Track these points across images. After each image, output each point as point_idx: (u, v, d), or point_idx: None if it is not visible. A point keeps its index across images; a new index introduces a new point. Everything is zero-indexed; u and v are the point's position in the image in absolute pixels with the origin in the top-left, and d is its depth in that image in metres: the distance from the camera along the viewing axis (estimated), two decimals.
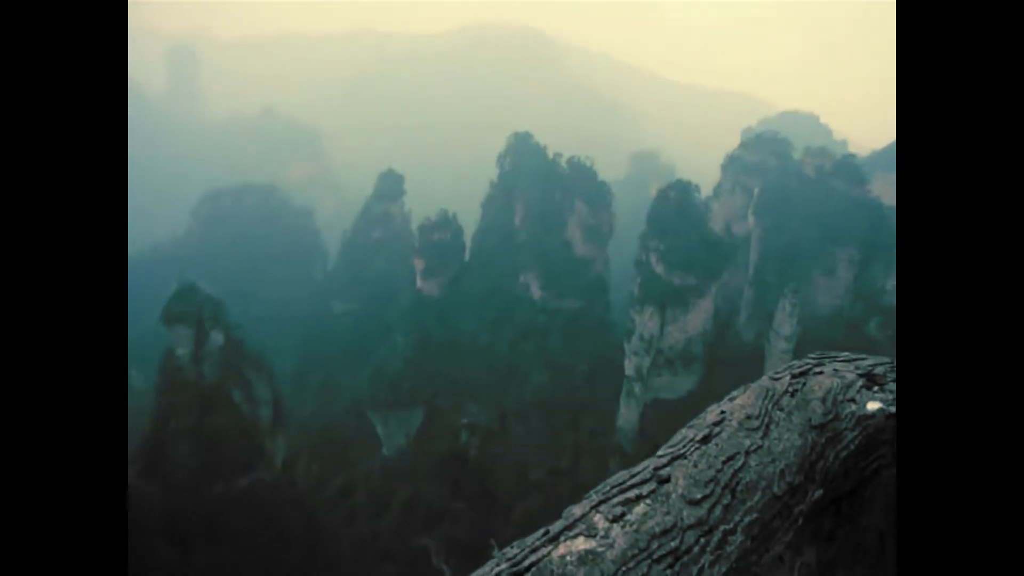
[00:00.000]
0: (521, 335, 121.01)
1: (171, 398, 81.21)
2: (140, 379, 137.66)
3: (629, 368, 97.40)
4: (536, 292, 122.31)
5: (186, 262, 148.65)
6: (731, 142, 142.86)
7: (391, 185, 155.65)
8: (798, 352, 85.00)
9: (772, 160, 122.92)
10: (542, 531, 4.71)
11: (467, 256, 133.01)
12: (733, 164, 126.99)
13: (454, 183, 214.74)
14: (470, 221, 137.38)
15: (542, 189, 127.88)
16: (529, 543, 4.62)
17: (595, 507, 4.70)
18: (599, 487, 5.12)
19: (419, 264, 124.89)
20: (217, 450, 79.19)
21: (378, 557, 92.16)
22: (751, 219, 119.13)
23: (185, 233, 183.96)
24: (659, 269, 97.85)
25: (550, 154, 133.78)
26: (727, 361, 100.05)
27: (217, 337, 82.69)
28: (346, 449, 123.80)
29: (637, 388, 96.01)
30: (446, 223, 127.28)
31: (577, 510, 4.79)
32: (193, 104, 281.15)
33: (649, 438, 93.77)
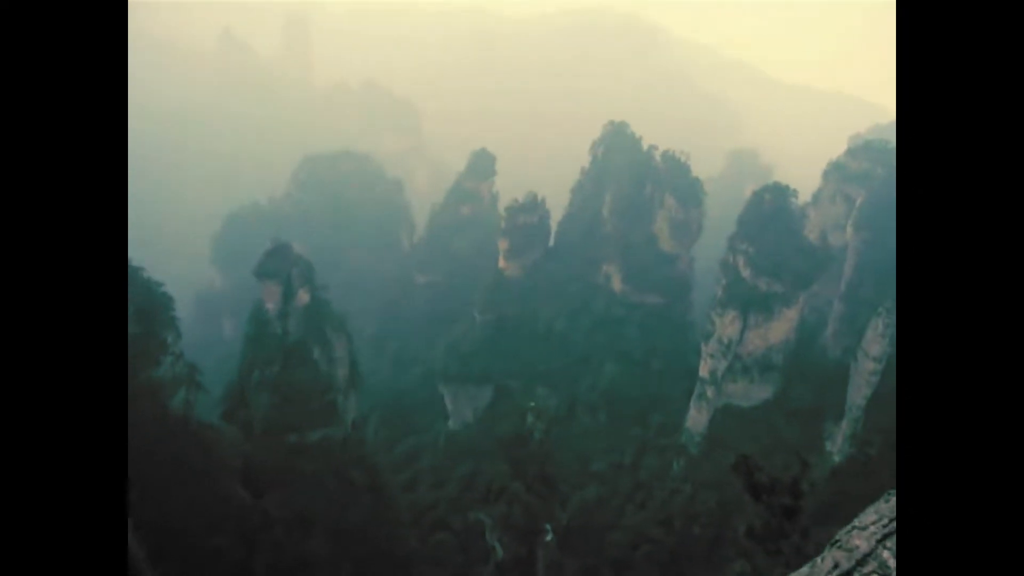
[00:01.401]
0: (597, 325, 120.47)
1: (256, 349, 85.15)
2: (230, 328, 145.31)
3: (704, 370, 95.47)
4: (617, 284, 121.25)
5: (282, 221, 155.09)
6: (837, 148, 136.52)
7: (483, 164, 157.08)
8: (885, 375, 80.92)
9: (879, 170, 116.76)
10: (830, 564, 4.55)
11: (552, 241, 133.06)
12: (836, 171, 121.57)
13: (545, 167, 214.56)
14: (558, 206, 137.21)
15: (633, 180, 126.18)
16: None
17: (880, 542, 4.46)
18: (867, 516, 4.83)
19: (503, 244, 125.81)
20: (293, 403, 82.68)
21: (435, 524, 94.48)
22: (849, 230, 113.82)
23: (283, 194, 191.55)
24: (746, 273, 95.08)
25: (645, 145, 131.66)
26: (807, 375, 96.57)
27: (304, 296, 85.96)
28: (414, 417, 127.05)
29: (710, 391, 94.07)
30: (534, 206, 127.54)
31: (861, 543, 4.55)
32: (302, 70, 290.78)
33: (717, 443, 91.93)
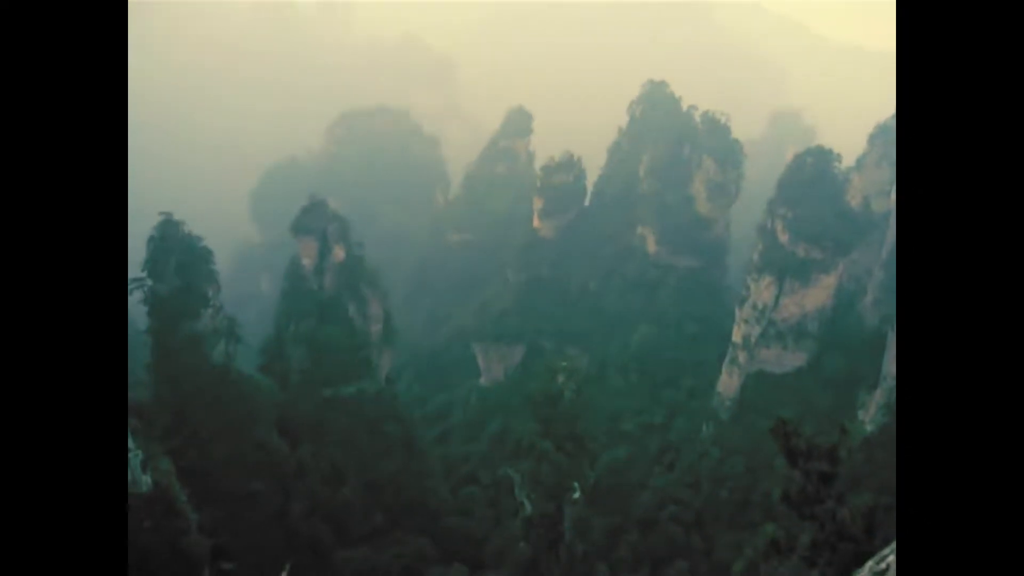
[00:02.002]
0: (631, 287, 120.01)
1: (293, 304, 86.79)
2: (268, 283, 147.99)
3: (737, 335, 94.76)
4: (651, 246, 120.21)
5: (318, 177, 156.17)
6: (885, 111, 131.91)
7: (519, 122, 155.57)
8: None
9: None
10: None
11: (587, 201, 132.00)
12: (883, 135, 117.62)
13: (582, 126, 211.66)
14: (594, 166, 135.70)
15: (671, 141, 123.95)
16: None
17: None
18: None
19: (538, 203, 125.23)
20: (328, 357, 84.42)
21: (465, 479, 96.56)
22: (894, 196, 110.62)
23: (320, 149, 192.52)
24: (783, 238, 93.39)
25: (684, 106, 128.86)
26: (843, 344, 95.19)
27: (339, 252, 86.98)
28: (446, 374, 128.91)
29: (742, 357, 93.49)
30: (570, 165, 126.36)
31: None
32: (339, 24, 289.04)
33: (748, 408, 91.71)
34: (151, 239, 70.74)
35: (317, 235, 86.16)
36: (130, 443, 47.17)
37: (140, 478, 46.11)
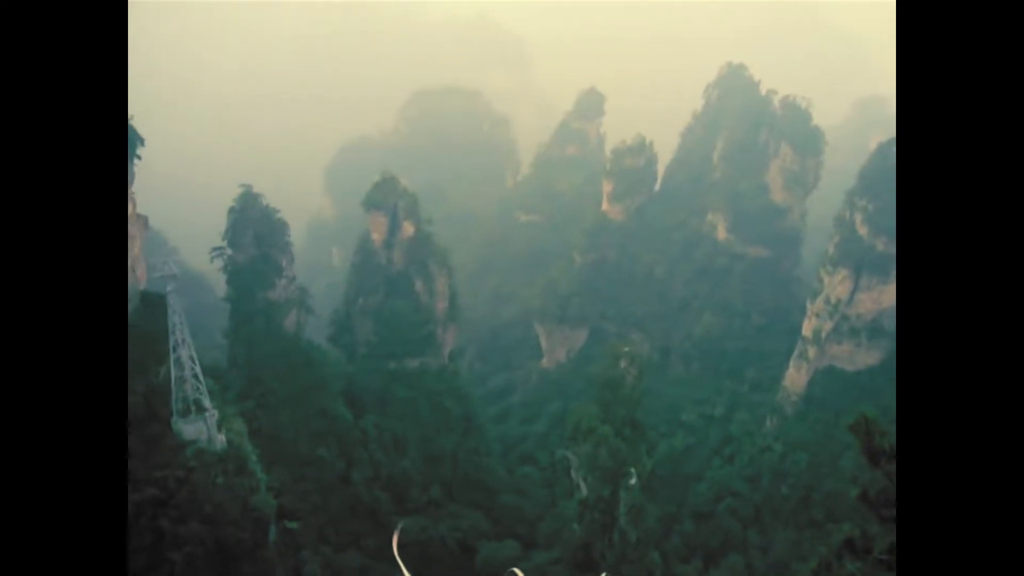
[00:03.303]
0: (698, 274, 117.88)
1: (362, 278, 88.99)
2: (338, 257, 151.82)
3: (807, 329, 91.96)
4: (722, 233, 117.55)
5: (390, 155, 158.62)
6: None
7: (591, 103, 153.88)
8: None
9: None
10: None
11: (657, 185, 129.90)
12: None
13: (656, 109, 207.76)
14: (666, 150, 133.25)
15: (747, 127, 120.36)
16: None
17: None
18: None
19: (607, 187, 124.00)
20: (394, 331, 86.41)
21: (522, 458, 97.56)
22: None
23: (393, 128, 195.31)
24: (863, 231, 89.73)
25: (763, 90, 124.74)
26: None
27: (408, 228, 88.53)
28: (509, 353, 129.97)
29: (811, 351, 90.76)
30: (641, 149, 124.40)
31: None
32: (415, 3, 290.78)
33: (814, 405, 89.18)
34: (231, 210, 73.69)
35: (387, 211, 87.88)
36: (207, 403, 49.50)
37: (215, 437, 48.43)
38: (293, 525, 58.95)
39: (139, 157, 61.92)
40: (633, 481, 61.80)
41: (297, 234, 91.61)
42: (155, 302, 57.97)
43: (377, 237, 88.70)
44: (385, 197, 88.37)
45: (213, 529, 45.25)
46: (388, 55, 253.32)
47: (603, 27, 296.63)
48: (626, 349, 76.55)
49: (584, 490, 64.35)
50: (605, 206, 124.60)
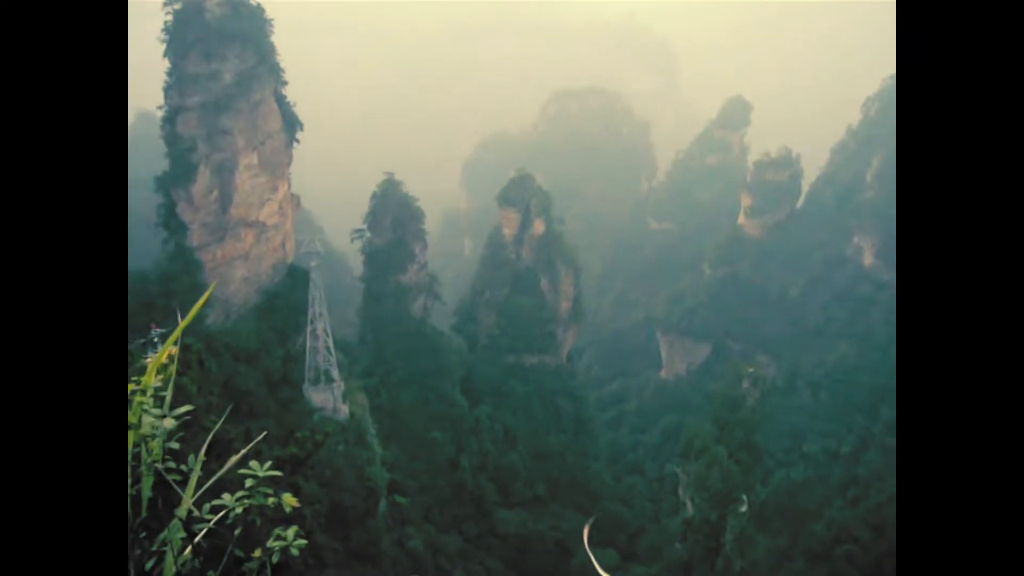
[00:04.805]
0: (837, 299, 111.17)
1: (490, 271, 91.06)
2: (469, 248, 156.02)
3: None
4: (868, 258, 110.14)
5: (527, 152, 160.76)
6: None
7: (736, 112, 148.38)
8: None
9: None
10: None
11: (800, 202, 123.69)
12: None
13: (805, 122, 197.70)
14: (813, 166, 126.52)
15: None
16: None
17: None
18: None
19: (746, 200, 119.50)
20: (516, 326, 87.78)
21: (630, 467, 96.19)
22: None
23: (532, 126, 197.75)
24: None
25: None
26: None
27: (539, 226, 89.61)
28: (628, 360, 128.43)
29: None
30: (786, 163, 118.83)
31: None
32: (559, 7, 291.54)
33: None
34: (374, 195, 77.73)
35: (520, 207, 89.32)
36: (336, 374, 52.57)
37: (340, 407, 51.33)
38: (402, 500, 61.50)
39: (298, 141, 66.63)
40: (744, 508, 59.44)
41: (432, 223, 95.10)
42: (300, 276, 62.34)
43: (508, 232, 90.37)
44: (519, 193, 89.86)
45: (329, 492, 48.11)
46: (533, 54, 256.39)
47: (752, 32, 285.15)
48: (750, 369, 73.74)
49: (690, 509, 62.63)
50: (742, 220, 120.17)
